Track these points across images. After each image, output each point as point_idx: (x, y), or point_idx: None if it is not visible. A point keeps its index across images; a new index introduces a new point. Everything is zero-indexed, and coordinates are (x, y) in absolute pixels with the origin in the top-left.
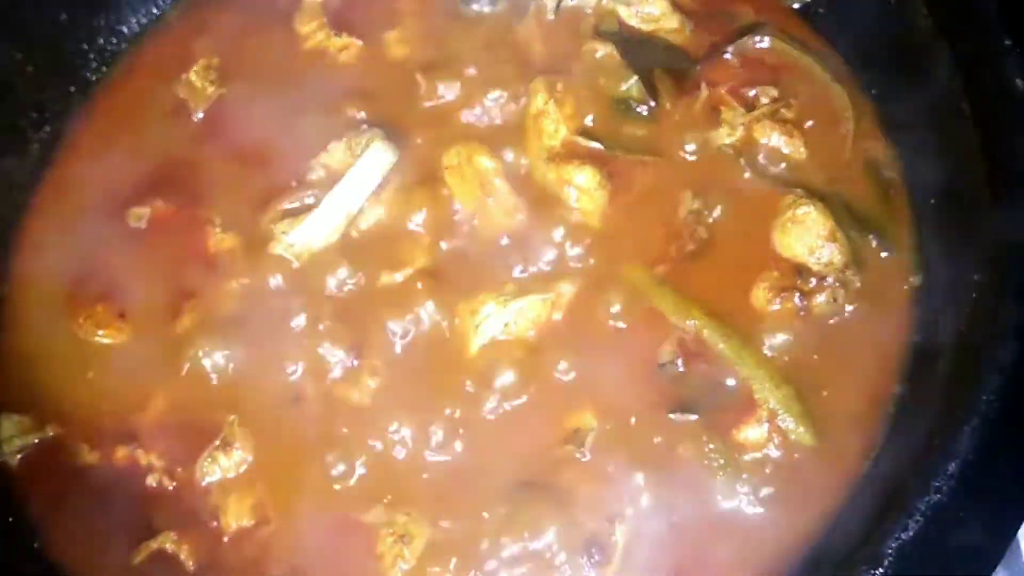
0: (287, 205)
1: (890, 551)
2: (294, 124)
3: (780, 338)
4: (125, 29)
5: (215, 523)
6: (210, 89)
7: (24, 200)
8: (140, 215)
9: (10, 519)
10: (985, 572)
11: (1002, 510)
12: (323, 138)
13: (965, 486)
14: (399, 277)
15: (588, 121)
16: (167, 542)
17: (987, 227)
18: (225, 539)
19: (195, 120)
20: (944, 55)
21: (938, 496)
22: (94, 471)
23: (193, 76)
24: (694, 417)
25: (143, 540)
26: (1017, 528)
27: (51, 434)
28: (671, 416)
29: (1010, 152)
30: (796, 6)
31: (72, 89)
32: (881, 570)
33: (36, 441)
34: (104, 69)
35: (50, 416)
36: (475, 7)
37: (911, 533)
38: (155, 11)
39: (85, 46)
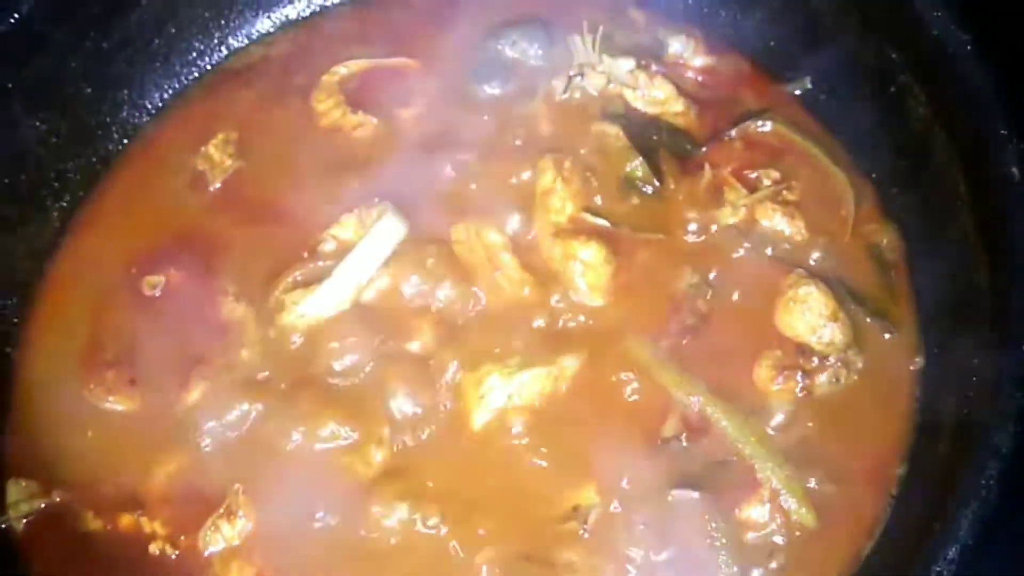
0: (298, 276)
1: None
2: (307, 196)
3: (783, 417)
4: (148, 104)
5: None
6: (228, 162)
7: (43, 267)
8: (155, 283)
9: None
10: None
11: None
12: (335, 210)
13: (966, 571)
14: (405, 348)
15: (595, 199)
16: None
17: (986, 310)
18: None
19: (211, 191)
20: (942, 142)
21: None
22: (98, 538)
23: (212, 149)
24: (697, 494)
25: None
26: None
27: (57, 500)
28: (674, 493)
29: (1008, 237)
30: (797, 92)
31: (93, 160)
32: None
33: (42, 506)
34: (125, 142)
35: (57, 481)
36: (486, 88)
37: None
38: (177, 86)
39: (108, 119)
